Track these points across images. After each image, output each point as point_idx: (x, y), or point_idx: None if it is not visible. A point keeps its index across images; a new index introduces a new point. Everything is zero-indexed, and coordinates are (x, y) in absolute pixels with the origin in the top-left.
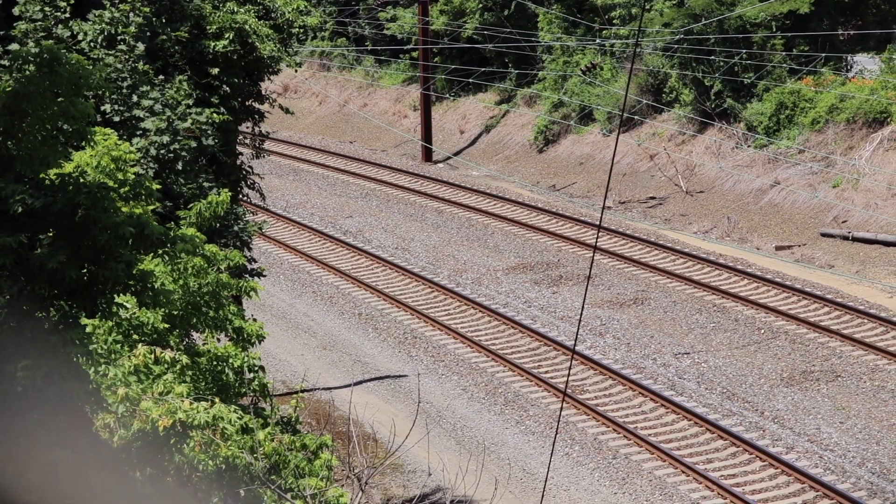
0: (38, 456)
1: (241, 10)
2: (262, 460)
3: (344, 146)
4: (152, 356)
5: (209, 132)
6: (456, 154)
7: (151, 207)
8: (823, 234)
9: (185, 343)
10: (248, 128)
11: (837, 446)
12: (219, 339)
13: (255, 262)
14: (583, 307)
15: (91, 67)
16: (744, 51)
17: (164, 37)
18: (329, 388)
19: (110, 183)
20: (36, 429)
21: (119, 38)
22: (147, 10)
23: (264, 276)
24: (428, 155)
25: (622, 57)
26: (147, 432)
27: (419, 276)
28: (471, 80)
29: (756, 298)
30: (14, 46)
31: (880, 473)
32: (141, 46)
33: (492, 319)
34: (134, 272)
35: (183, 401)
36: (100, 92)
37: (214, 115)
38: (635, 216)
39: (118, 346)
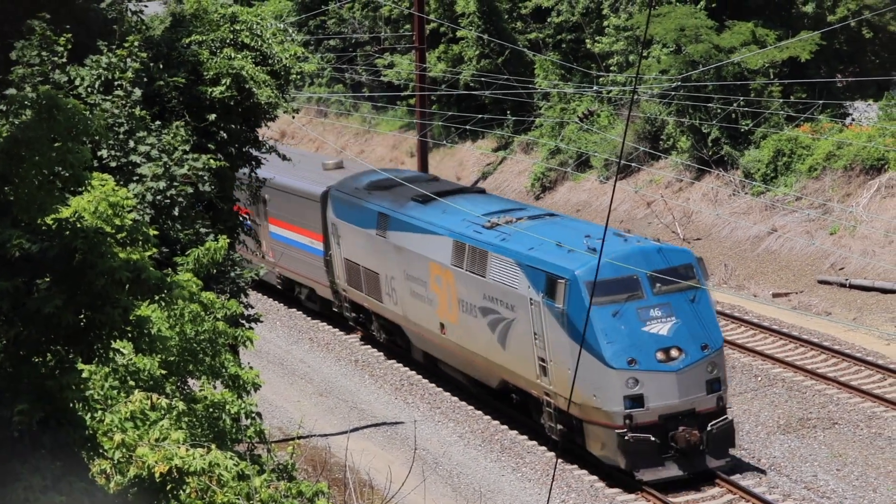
0: (33, 501)
1: (239, 56)
2: None
3: None
4: (148, 402)
5: (206, 178)
6: None
7: (149, 253)
8: (820, 281)
9: (181, 390)
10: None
11: (834, 493)
12: (215, 386)
13: (252, 307)
14: (580, 354)
15: (90, 115)
16: (741, 98)
17: (161, 82)
18: (325, 435)
19: (107, 228)
20: (31, 474)
21: (116, 83)
22: (144, 55)
23: (261, 321)
24: None
25: (619, 104)
26: (143, 479)
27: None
28: (468, 127)
29: (753, 345)
30: (11, 91)
31: None
32: (138, 92)
33: None
34: (131, 318)
35: (179, 447)
36: (97, 137)
37: (211, 160)
38: None
39: (114, 391)
